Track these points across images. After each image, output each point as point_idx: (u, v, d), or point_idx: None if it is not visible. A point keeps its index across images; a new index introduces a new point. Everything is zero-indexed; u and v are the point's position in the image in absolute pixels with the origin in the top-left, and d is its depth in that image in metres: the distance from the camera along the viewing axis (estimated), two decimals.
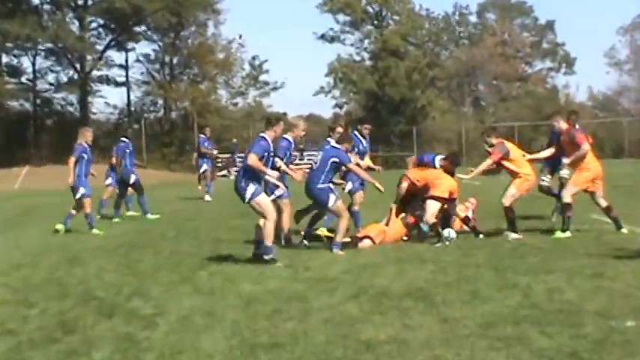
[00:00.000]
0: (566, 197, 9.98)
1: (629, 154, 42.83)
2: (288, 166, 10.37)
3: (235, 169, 29.09)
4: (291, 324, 5.78)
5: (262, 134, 9.12)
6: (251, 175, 8.72)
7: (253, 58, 52.78)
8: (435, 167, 10.88)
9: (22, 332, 5.89)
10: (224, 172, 31.88)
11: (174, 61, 49.79)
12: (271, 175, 8.99)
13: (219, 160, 30.82)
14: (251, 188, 8.61)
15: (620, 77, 55.85)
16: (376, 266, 8.38)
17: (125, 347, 5.30)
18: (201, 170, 19.25)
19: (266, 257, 8.54)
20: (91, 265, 9.00)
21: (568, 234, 9.87)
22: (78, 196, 12.32)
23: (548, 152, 11.06)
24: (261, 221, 8.69)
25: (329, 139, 10.11)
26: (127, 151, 14.78)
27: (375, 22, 52.66)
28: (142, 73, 49.64)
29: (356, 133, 11.71)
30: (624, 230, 10.00)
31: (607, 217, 10.25)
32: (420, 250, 9.45)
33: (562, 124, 10.45)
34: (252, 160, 8.62)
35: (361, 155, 11.33)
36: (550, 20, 59.74)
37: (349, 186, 10.82)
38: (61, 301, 6.99)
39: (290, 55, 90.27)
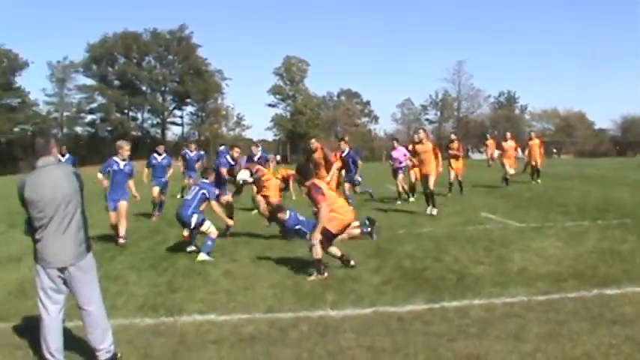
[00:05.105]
0: None
1: None
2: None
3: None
4: None
5: None
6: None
7: (238, 114, 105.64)
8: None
9: None
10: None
11: (203, 114, 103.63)
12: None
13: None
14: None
15: None
16: None
17: None
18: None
19: None
20: None
21: None
22: None
23: None
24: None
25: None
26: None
27: (292, 99, 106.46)
28: (191, 121, 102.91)
29: (227, 156, 13.24)
30: None
31: None
32: None
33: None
34: None
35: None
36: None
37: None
38: None
39: (262, 112, 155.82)
